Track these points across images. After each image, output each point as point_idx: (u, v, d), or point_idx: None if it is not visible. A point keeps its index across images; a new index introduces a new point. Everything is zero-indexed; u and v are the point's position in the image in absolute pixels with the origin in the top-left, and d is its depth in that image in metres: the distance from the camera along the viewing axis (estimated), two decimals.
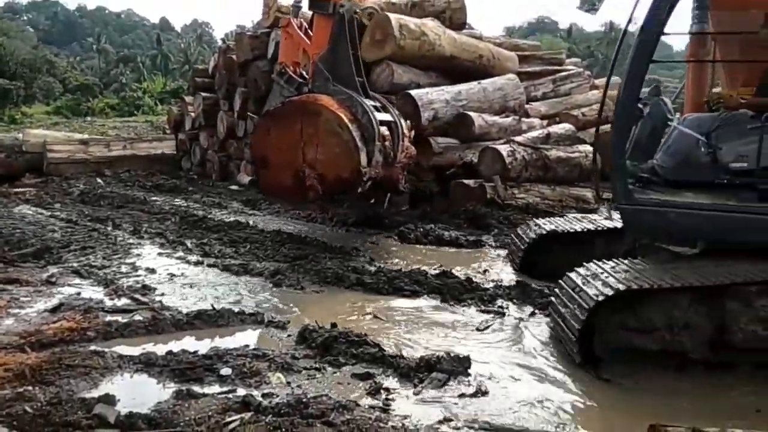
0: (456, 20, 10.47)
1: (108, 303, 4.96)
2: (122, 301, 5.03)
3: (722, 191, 4.30)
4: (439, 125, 8.88)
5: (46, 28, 76.12)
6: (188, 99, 13.66)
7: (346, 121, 6.52)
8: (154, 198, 10.13)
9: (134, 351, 4.02)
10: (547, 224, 5.70)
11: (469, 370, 3.76)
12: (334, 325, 4.38)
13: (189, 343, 4.22)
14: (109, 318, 4.59)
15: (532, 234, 5.69)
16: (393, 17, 9.05)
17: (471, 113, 8.99)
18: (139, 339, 4.29)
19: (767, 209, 3.99)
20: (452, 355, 3.83)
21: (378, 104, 7.41)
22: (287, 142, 6.66)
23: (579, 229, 5.46)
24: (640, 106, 4.45)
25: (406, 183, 8.16)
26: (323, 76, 6.98)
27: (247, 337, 4.37)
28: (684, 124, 4.63)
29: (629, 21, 4.25)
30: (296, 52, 7.82)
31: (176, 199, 10.10)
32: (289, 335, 4.40)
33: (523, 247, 5.77)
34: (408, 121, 8.29)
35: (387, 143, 7.19)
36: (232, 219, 8.18)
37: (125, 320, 4.52)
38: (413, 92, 8.78)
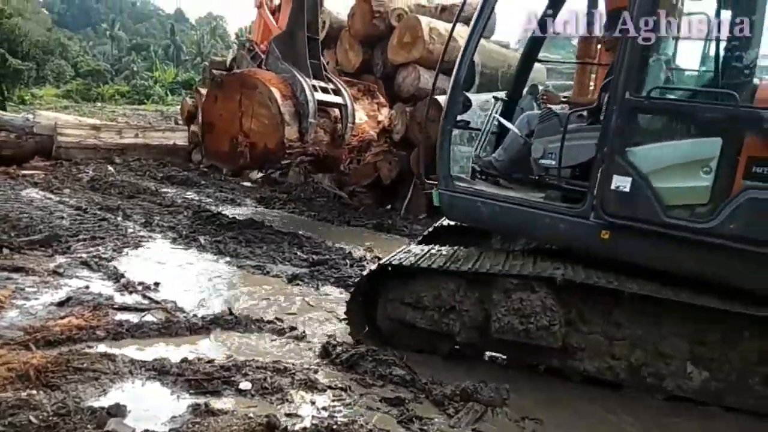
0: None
1: (118, 299, 4.69)
2: (133, 298, 4.76)
3: (537, 188, 4.39)
4: None
5: (61, 11, 76.04)
6: (203, 91, 13.37)
7: (277, 96, 7.13)
8: (165, 189, 9.85)
9: (146, 356, 3.75)
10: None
11: (508, 401, 3.48)
12: (359, 342, 4.10)
13: (205, 350, 3.95)
14: (119, 316, 4.33)
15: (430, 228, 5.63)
16: (424, 20, 8.79)
17: None
18: (151, 341, 4.03)
19: (556, 208, 3.99)
20: (491, 384, 3.55)
21: (331, 86, 7.97)
22: (229, 110, 7.40)
23: None
24: (470, 96, 4.50)
25: (350, 163, 8.85)
26: (274, 55, 7.64)
27: (267, 348, 4.09)
28: (517, 120, 4.69)
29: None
30: (268, 33, 8.40)
31: (188, 192, 9.83)
32: (310, 348, 4.13)
33: (420, 239, 5.56)
34: (392, 111, 8.91)
35: (338, 125, 7.91)
36: (246, 217, 7.91)
37: (137, 320, 4.25)
38: (440, 98, 8.49)
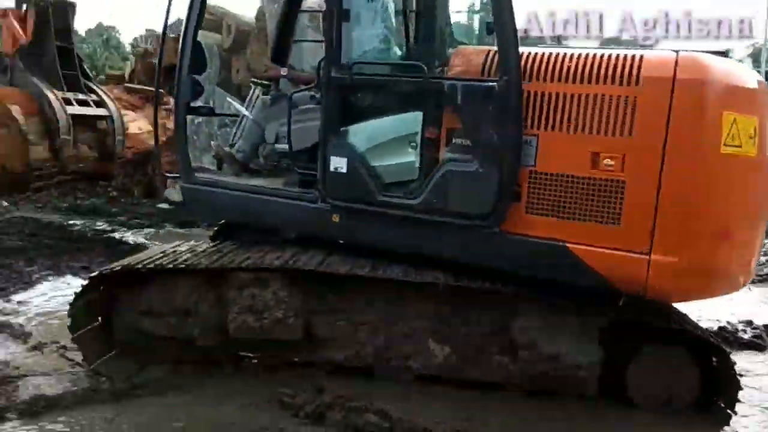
0: None
1: None
2: None
3: (278, 175, 4.25)
4: None
5: None
6: None
7: (15, 114, 6.77)
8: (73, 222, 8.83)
9: None
10: None
11: None
12: (320, 390, 3.56)
13: None
14: None
15: None
16: None
17: None
18: None
19: (291, 194, 3.90)
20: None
21: (93, 97, 7.86)
22: None
23: None
24: (199, 80, 4.24)
25: (125, 178, 8.85)
26: (19, 68, 7.31)
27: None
28: (251, 106, 4.46)
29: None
30: (17, 44, 7.99)
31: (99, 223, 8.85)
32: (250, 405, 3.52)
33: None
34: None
35: (108, 139, 7.93)
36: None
37: None
38: None
